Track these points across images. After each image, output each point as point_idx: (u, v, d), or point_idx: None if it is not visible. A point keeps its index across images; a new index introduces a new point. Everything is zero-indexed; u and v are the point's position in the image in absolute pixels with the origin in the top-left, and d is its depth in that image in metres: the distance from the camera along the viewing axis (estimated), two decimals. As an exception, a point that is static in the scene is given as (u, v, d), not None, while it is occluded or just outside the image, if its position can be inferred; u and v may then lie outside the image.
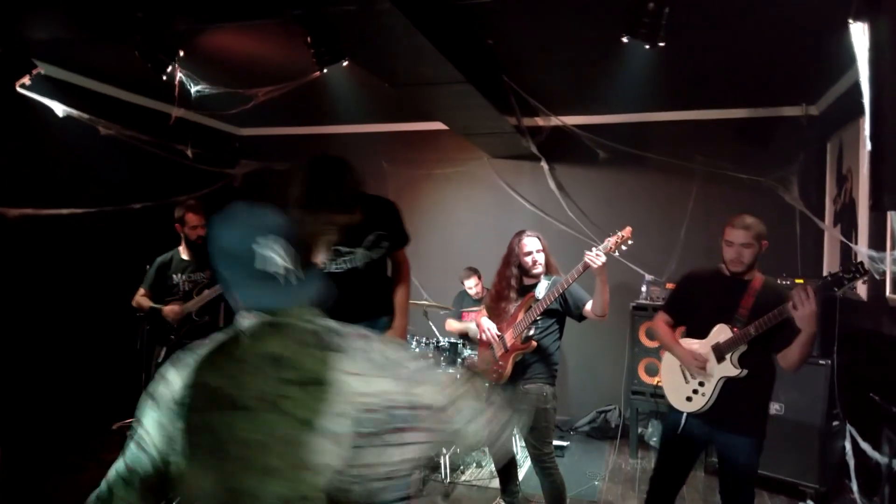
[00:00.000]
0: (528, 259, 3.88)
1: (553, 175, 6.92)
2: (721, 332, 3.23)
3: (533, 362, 3.85)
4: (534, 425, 3.80)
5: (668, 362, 3.51)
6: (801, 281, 4.87)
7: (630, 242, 3.62)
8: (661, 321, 3.52)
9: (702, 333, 3.31)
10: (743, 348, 3.14)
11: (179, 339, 4.68)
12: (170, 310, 4.62)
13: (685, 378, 3.34)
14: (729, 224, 3.24)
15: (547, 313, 3.82)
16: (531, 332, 3.83)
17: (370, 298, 3.29)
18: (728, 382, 3.17)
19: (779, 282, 3.26)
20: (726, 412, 3.18)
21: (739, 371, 3.14)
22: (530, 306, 3.83)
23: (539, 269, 3.90)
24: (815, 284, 2.91)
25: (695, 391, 3.28)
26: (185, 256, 4.80)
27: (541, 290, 3.86)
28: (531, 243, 3.90)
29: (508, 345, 3.85)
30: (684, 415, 3.31)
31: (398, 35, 3.65)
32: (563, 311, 3.87)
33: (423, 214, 7.51)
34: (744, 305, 3.17)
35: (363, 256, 3.25)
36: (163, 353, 4.71)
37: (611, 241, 3.62)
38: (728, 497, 3.27)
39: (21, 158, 5.46)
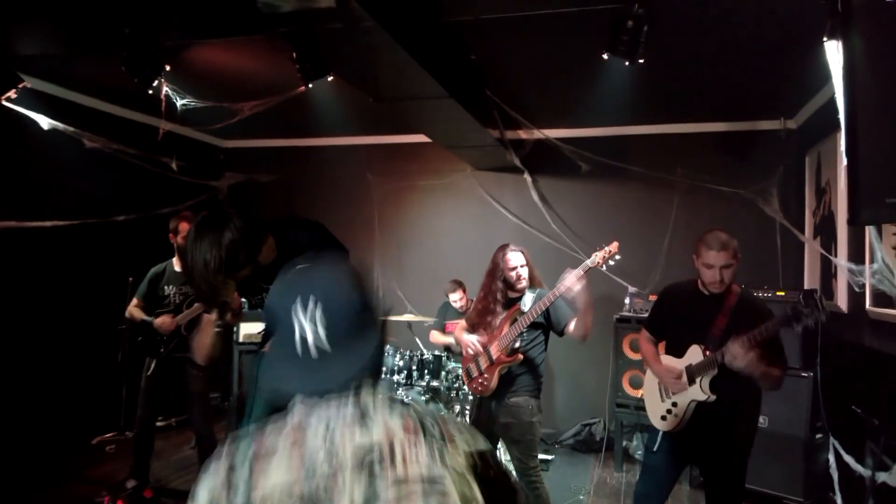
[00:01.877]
0: (513, 274, 3.88)
1: (536, 187, 6.96)
2: (694, 354, 3.19)
3: (518, 375, 3.85)
4: (519, 438, 3.80)
5: (649, 379, 3.51)
6: (782, 293, 4.92)
7: (618, 257, 3.64)
8: (643, 338, 3.55)
9: (679, 352, 3.29)
10: (713, 372, 3.08)
11: (168, 352, 4.66)
12: (161, 321, 4.59)
13: (661, 397, 3.34)
14: (704, 245, 3.10)
15: (532, 326, 3.82)
16: (517, 345, 3.83)
17: None
18: (700, 405, 3.15)
19: (756, 295, 3.23)
20: (701, 434, 3.17)
21: (707, 396, 3.09)
22: (516, 319, 3.83)
23: (524, 283, 3.90)
24: (773, 322, 2.91)
25: (668, 411, 3.27)
26: (177, 268, 4.78)
27: (526, 302, 3.86)
28: (515, 258, 3.90)
29: (494, 357, 3.86)
30: (660, 432, 3.32)
31: (382, 51, 3.67)
32: (547, 324, 3.89)
33: (406, 226, 7.53)
34: (718, 325, 3.10)
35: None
36: (152, 366, 4.67)
37: (598, 256, 3.64)
38: None
39: (5, 171, 5.44)
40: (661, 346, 3.52)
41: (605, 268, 3.68)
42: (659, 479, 3.37)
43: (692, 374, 3.16)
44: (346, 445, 1.08)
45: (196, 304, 4.61)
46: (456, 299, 6.02)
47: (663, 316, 3.45)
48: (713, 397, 3.10)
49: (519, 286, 3.89)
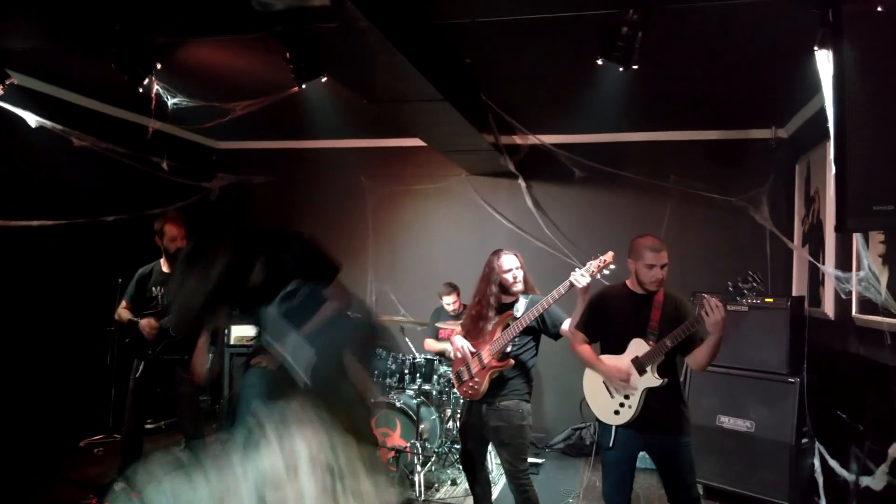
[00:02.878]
0: (509, 276, 3.89)
1: (530, 192, 6.98)
2: (638, 346, 3.40)
3: (509, 379, 3.85)
4: (509, 442, 3.80)
5: (590, 379, 3.64)
6: (770, 300, 4.95)
7: (612, 267, 3.67)
8: (578, 340, 3.65)
9: (618, 349, 3.48)
10: (661, 359, 3.34)
11: (156, 354, 4.60)
12: (146, 323, 4.54)
13: (610, 393, 3.49)
14: (645, 248, 3.42)
15: (524, 331, 3.83)
16: (508, 349, 3.84)
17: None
18: (650, 391, 3.36)
19: (672, 292, 3.50)
20: (653, 418, 3.37)
21: (661, 381, 3.33)
22: (508, 324, 3.84)
23: (519, 286, 3.92)
24: (720, 296, 3.21)
25: (621, 404, 3.44)
26: (165, 269, 4.75)
27: (519, 307, 3.88)
28: (510, 261, 3.92)
29: (485, 362, 3.86)
30: (614, 428, 3.47)
31: (377, 53, 3.68)
32: (540, 329, 3.89)
33: (401, 230, 7.53)
34: (653, 318, 3.39)
35: (278, 310, 3.12)
36: (140, 368, 4.62)
37: (593, 265, 3.66)
38: (675, 496, 3.40)
39: (-8, 169, 5.40)
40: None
41: (599, 276, 3.70)
42: (622, 474, 3.50)
43: (641, 364, 3.37)
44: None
45: None
46: (449, 302, 6.01)
47: (599, 317, 3.61)
48: (665, 381, 3.33)
49: (514, 289, 3.91)
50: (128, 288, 4.77)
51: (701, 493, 4.62)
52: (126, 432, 4.73)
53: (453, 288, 6.05)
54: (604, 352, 3.55)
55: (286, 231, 3.33)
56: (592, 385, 3.61)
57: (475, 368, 3.90)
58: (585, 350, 3.61)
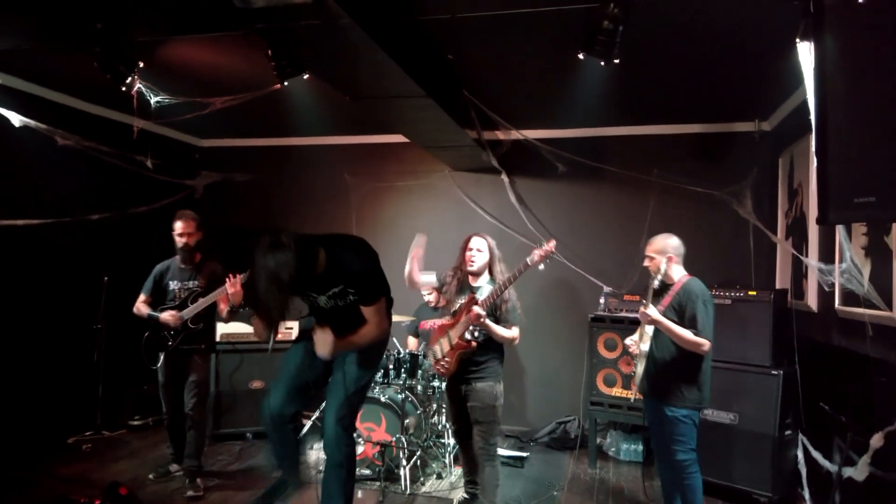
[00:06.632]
0: (468, 255, 4.12)
1: (513, 188, 6.99)
2: None
3: (482, 361, 4.04)
4: (482, 420, 4.05)
5: None
6: (753, 293, 4.99)
7: (551, 257, 3.79)
8: None
9: None
10: (651, 334, 4.04)
11: (177, 345, 4.83)
12: (169, 315, 4.76)
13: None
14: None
15: (491, 315, 3.99)
16: (476, 333, 4.00)
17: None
18: (647, 360, 4.04)
19: (695, 283, 3.95)
20: (645, 382, 4.06)
21: (640, 350, 4.06)
22: (471, 309, 3.97)
23: (473, 266, 4.11)
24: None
25: (635, 370, 4.15)
26: (181, 265, 4.97)
27: (483, 293, 4.04)
28: (474, 241, 4.14)
29: (453, 342, 4.03)
30: None
31: (359, 50, 3.68)
32: (498, 319, 4.06)
33: (384, 226, 7.52)
34: (663, 304, 3.96)
35: (325, 301, 3.40)
36: (161, 359, 4.85)
37: (536, 254, 3.87)
38: (659, 458, 4.21)
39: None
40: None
41: (542, 266, 3.80)
42: (654, 436, 4.20)
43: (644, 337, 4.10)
44: None
45: (200, 300, 4.80)
46: (429, 296, 6.05)
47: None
48: (642, 350, 4.05)
49: (468, 268, 4.13)
50: (146, 283, 4.97)
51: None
52: (167, 421, 5.07)
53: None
54: None
55: (348, 236, 3.71)
56: None
57: (445, 348, 4.08)
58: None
